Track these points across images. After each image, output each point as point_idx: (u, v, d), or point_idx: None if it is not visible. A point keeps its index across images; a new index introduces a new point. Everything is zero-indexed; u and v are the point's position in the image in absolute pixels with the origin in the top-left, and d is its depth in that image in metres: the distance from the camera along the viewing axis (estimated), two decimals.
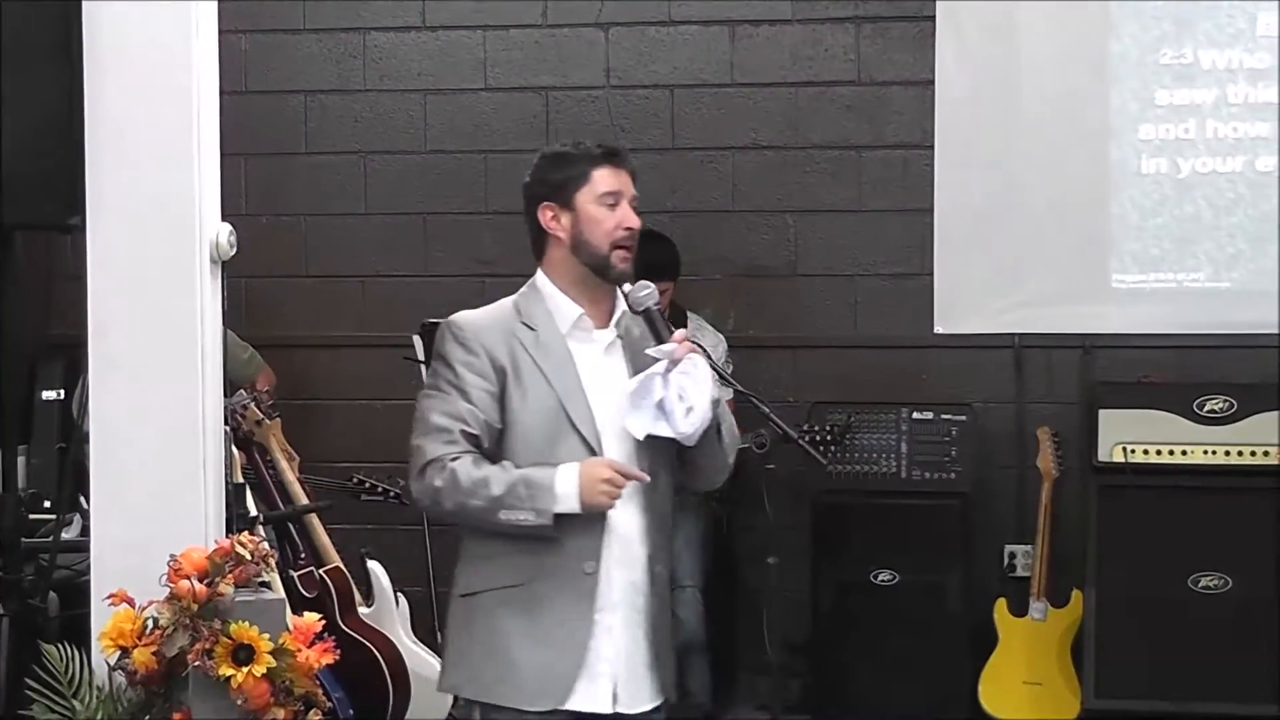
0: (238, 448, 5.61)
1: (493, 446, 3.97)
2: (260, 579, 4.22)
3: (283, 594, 4.98)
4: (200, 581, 4.04)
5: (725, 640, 6.92)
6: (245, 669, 3.98)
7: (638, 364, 4.04)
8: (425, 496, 3.97)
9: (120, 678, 4.11)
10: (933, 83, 6.51)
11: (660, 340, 4.01)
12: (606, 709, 3.97)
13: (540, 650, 3.93)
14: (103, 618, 4.16)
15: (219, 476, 4.41)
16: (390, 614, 5.99)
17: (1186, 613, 6.43)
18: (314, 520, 5.99)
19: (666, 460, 4.08)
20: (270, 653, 4.00)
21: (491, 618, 3.96)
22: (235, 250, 4.41)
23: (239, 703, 4.00)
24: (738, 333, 7.04)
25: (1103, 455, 6.58)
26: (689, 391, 3.97)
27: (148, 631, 4.07)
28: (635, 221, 4.08)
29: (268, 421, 5.97)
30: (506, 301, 4.14)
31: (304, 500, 6.01)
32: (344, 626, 5.76)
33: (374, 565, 6.06)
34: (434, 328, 6.28)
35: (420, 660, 5.96)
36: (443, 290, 7.36)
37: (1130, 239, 6.41)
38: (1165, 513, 6.48)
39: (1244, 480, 6.46)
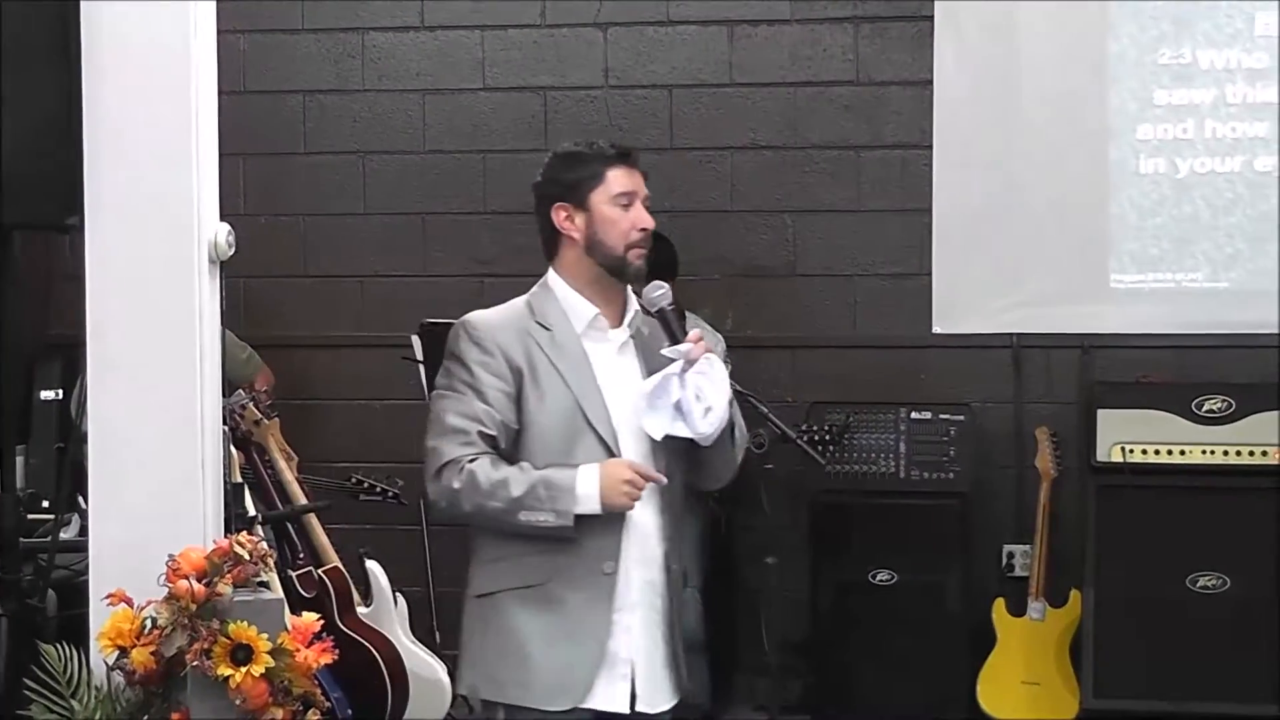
0: (236, 447, 5.61)
1: (509, 447, 3.97)
2: (259, 579, 4.21)
3: (281, 594, 4.97)
4: (199, 581, 4.03)
5: (724, 640, 6.92)
6: (244, 669, 3.98)
7: (650, 363, 4.05)
8: (442, 498, 3.95)
9: (119, 678, 4.11)
10: (931, 83, 6.52)
11: (675, 340, 4.02)
12: (625, 709, 3.98)
13: (559, 650, 3.93)
14: (101, 617, 4.15)
15: (217, 476, 4.41)
16: (389, 614, 5.98)
17: (1185, 613, 6.43)
18: (312, 520, 5.99)
19: (680, 459, 4.09)
20: (269, 652, 4.00)
21: (508, 618, 3.96)
22: (234, 250, 4.40)
23: (237, 703, 4.00)
24: (736, 333, 7.04)
25: (1101, 455, 6.58)
26: (706, 391, 3.98)
27: (146, 631, 4.07)
28: (649, 221, 4.09)
29: (266, 421, 5.97)
30: (519, 301, 4.14)
31: (302, 500, 6.01)
32: (342, 626, 5.76)
33: (372, 565, 6.06)
34: (433, 328, 6.34)
35: (419, 660, 5.96)
36: (441, 290, 7.37)
37: (1129, 239, 6.41)
38: (1164, 513, 6.48)
39: (1242, 480, 6.46)
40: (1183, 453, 6.55)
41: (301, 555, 5.88)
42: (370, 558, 6.10)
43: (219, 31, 4.46)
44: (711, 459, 4.13)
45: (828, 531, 6.85)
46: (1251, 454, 6.50)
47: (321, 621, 4.22)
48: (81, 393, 4.49)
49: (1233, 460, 6.51)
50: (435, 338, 6.31)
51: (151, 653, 4.03)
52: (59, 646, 4.18)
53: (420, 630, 6.25)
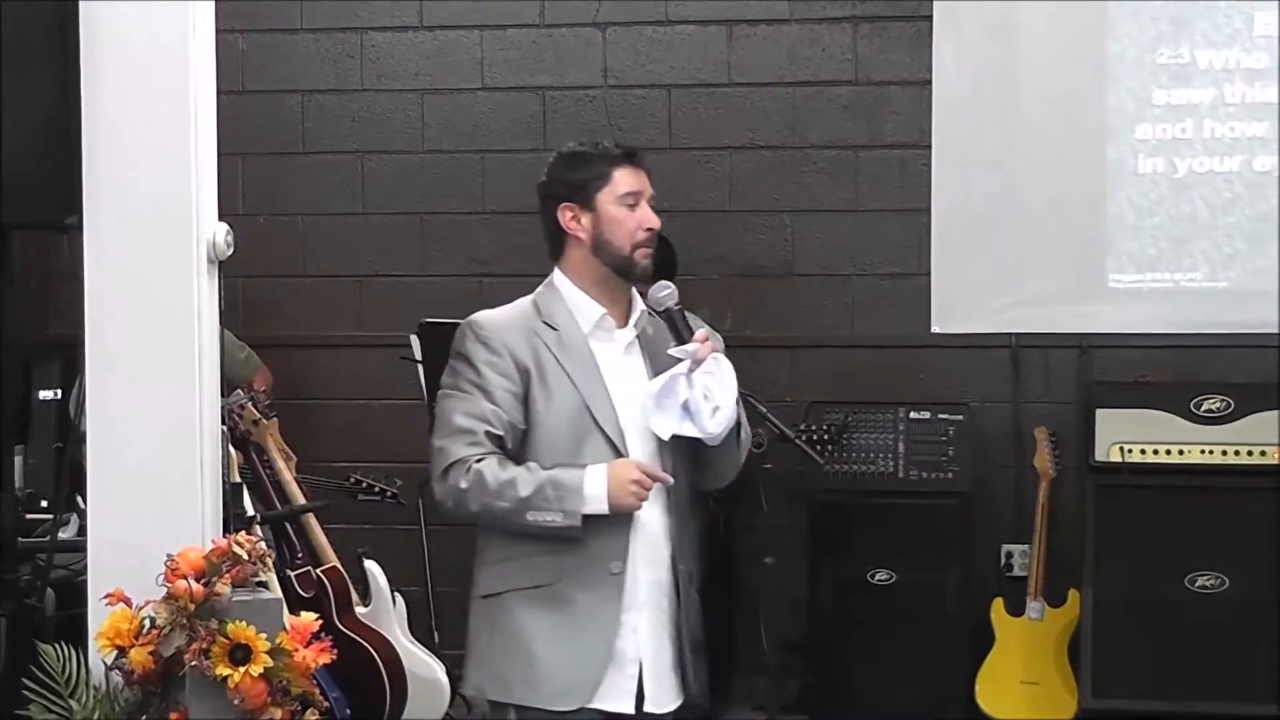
0: (235, 447, 5.61)
1: (515, 447, 3.97)
2: (257, 579, 4.21)
3: (280, 594, 4.97)
4: (197, 581, 4.03)
5: (722, 640, 6.91)
6: (242, 669, 3.97)
7: (656, 363, 4.06)
8: (449, 498, 3.95)
9: (117, 677, 4.10)
10: (930, 82, 6.51)
11: (681, 340, 4.02)
12: (632, 709, 3.99)
13: (566, 650, 3.94)
14: (99, 617, 4.15)
15: (216, 476, 4.41)
16: (387, 613, 5.99)
17: (1183, 612, 6.43)
18: (311, 520, 5.99)
19: (686, 459, 4.10)
20: (267, 652, 4.00)
21: (515, 618, 3.97)
22: (232, 250, 4.40)
23: (236, 702, 3.99)
24: (735, 333, 6.99)
25: (1100, 455, 6.58)
26: (714, 391, 3.99)
27: (145, 631, 4.06)
28: (655, 221, 4.10)
29: (265, 421, 5.97)
30: (525, 301, 4.13)
31: (301, 500, 6.01)
32: (341, 626, 5.76)
33: (371, 565, 6.06)
34: (432, 327, 6.34)
35: (417, 660, 5.96)
36: (440, 290, 7.37)
37: (1127, 239, 6.41)
38: (1162, 512, 6.48)
39: (1241, 480, 6.46)
40: (1181, 452, 6.55)
41: (300, 555, 5.88)
42: (369, 557, 6.10)
43: (218, 31, 4.46)
44: (717, 458, 4.13)
45: (826, 531, 6.85)
46: (1250, 454, 6.50)
47: (320, 621, 4.22)
48: (80, 392, 4.49)
49: (1231, 460, 6.51)
50: (434, 337, 6.32)
51: (150, 652, 4.03)
52: (57, 646, 4.17)
53: (419, 630, 6.25)
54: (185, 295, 4.32)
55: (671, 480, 4.01)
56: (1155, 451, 6.56)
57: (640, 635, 4.00)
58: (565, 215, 4.09)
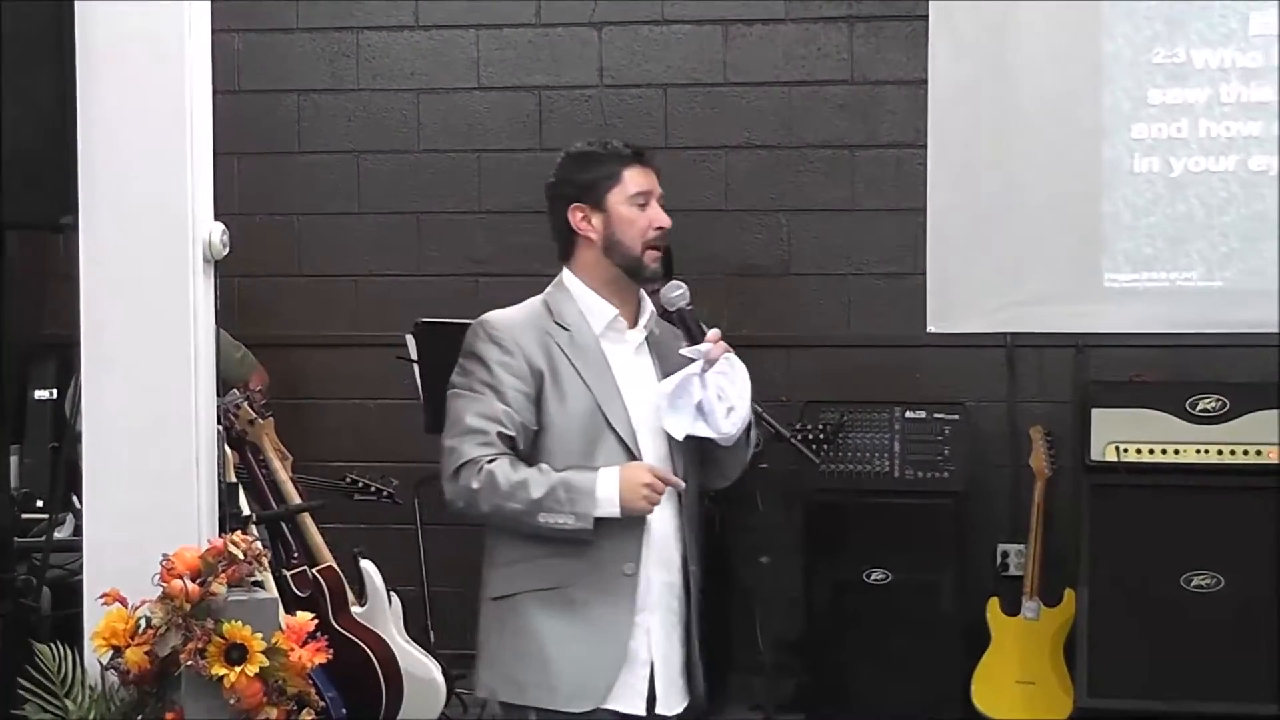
0: (231, 447, 5.60)
1: (527, 448, 3.95)
2: (253, 578, 4.21)
3: (275, 593, 4.97)
4: (193, 581, 4.03)
5: (718, 640, 6.90)
6: (238, 668, 3.97)
7: (664, 364, 4.05)
8: (460, 498, 3.92)
9: (113, 677, 4.10)
10: (925, 82, 6.53)
11: (694, 340, 4.01)
12: (643, 710, 3.98)
13: (580, 651, 3.92)
14: (95, 617, 4.15)
15: (212, 476, 4.41)
16: (383, 613, 5.98)
17: (1179, 612, 6.42)
18: (307, 519, 5.99)
19: (695, 460, 4.10)
20: (263, 652, 4.00)
21: (528, 620, 3.95)
22: (228, 249, 4.40)
23: (232, 702, 3.99)
24: (731, 332, 6.89)
25: (1095, 454, 6.58)
26: (728, 392, 3.99)
27: (140, 631, 4.06)
28: (666, 220, 4.09)
29: (261, 421, 5.97)
30: (535, 301, 4.11)
31: (297, 500, 6.01)
32: (337, 626, 5.76)
33: (367, 564, 6.06)
34: (427, 327, 6.34)
35: (413, 659, 5.96)
36: (436, 289, 7.37)
37: (1123, 238, 6.42)
38: (1158, 512, 6.48)
39: (1236, 479, 6.46)
40: (1177, 452, 6.55)
41: (296, 555, 5.88)
42: (364, 557, 6.10)
43: (214, 30, 4.45)
44: (725, 458, 4.14)
45: (822, 531, 6.84)
46: (1246, 453, 6.50)
47: (316, 621, 4.22)
48: (76, 392, 4.49)
49: (1227, 459, 6.50)
50: (430, 337, 6.32)
51: (146, 652, 4.03)
52: (53, 646, 4.17)
53: (415, 629, 6.24)
54: (181, 295, 4.32)
55: (683, 485, 4.00)
56: (1151, 451, 6.56)
57: (652, 637, 4.00)
58: (576, 216, 4.06)
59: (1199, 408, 6.55)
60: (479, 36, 7.51)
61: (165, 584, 4.02)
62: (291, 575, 5.80)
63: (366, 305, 7.55)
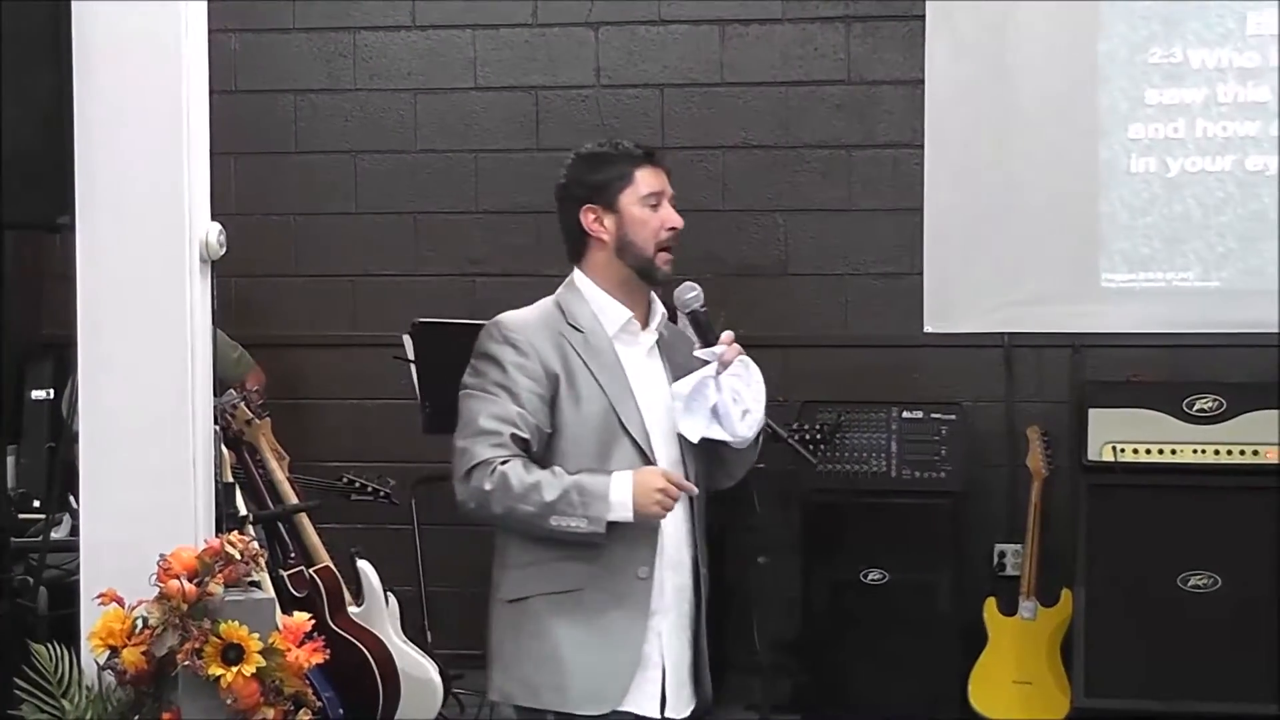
0: (227, 447, 5.61)
1: (540, 450, 3.93)
2: (250, 578, 4.21)
3: (272, 593, 4.97)
4: (190, 581, 4.03)
5: (715, 640, 6.91)
6: (235, 668, 3.97)
7: (674, 366, 4.04)
8: (472, 499, 3.89)
9: (110, 677, 4.10)
10: (922, 82, 6.53)
11: (708, 342, 4.00)
12: (657, 713, 3.98)
13: (595, 655, 3.91)
14: (92, 617, 4.15)
15: (209, 476, 4.40)
16: (380, 613, 5.98)
17: (1176, 612, 6.42)
18: (303, 520, 5.99)
19: (703, 461, 4.09)
20: (260, 652, 4.00)
21: (542, 624, 3.93)
22: (225, 250, 4.40)
23: (228, 702, 3.99)
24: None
25: (1092, 454, 6.58)
26: (743, 394, 3.98)
27: (137, 631, 4.06)
28: (678, 220, 4.07)
29: (257, 421, 5.96)
30: (548, 302, 4.08)
31: (294, 500, 6.01)
32: (334, 626, 5.76)
33: (363, 565, 6.05)
34: (424, 327, 6.33)
35: (410, 660, 5.95)
36: (433, 289, 7.37)
37: (1120, 238, 6.42)
38: (1155, 512, 6.48)
39: (1234, 479, 6.46)
40: (1174, 452, 6.55)
41: (293, 555, 5.88)
42: (361, 557, 6.10)
43: (210, 30, 4.45)
44: (734, 459, 4.14)
45: (819, 531, 6.84)
46: (1243, 453, 6.50)
47: (313, 621, 4.22)
48: (73, 392, 4.48)
49: (1224, 460, 6.51)
50: (426, 337, 6.32)
51: (143, 652, 4.03)
52: (50, 646, 4.17)
53: (411, 629, 6.24)
54: (178, 295, 4.31)
55: (696, 490, 3.99)
56: (1148, 451, 6.56)
57: (664, 640, 3.99)
58: (588, 217, 4.03)
59: (1196, 408, 6.56)
60: (476, 36, 7.51)
61: (162, 584, 4.02)
62: (288, 575, 5.80)
63: (363, 305, 7.55)
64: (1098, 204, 6.40)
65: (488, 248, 7.40)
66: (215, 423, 4.54)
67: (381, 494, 6.74)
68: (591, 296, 4.04)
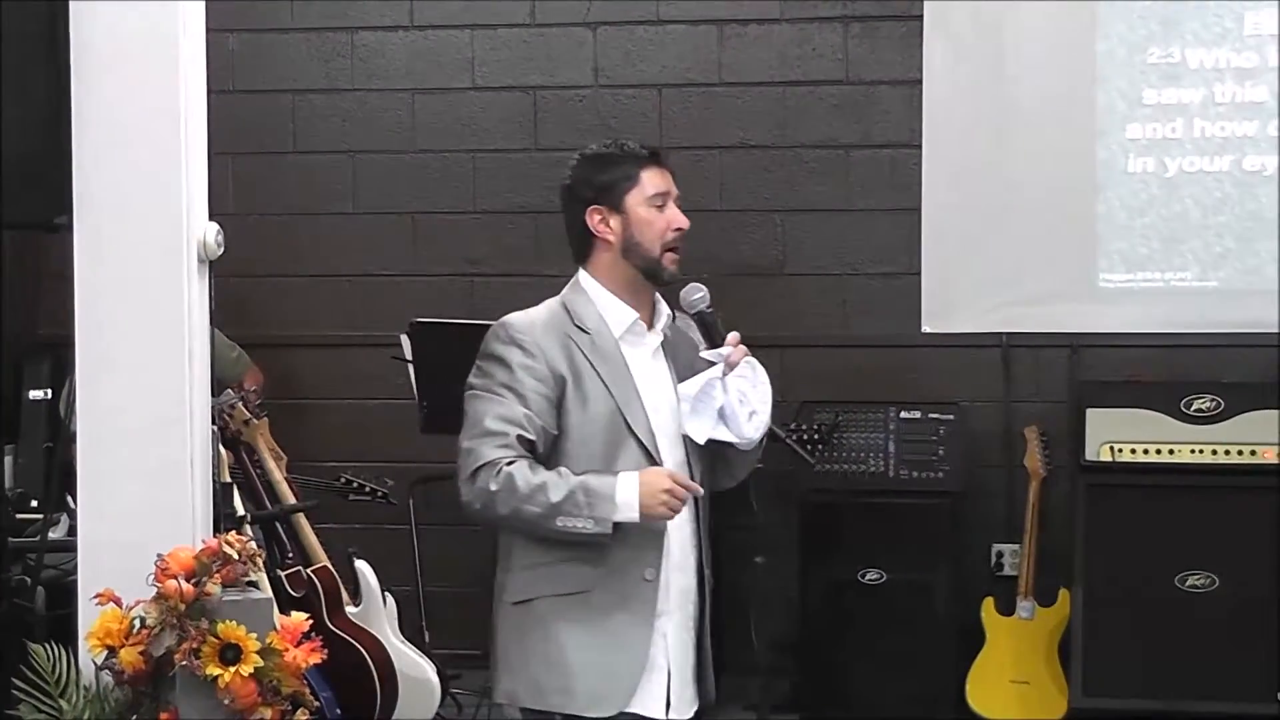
0: (225, 447, 5.60)
1: (546, 452, 3.92)
2: (248, 578, 4.21)
3: (270, 593, 4.97)
4: (187, 581, 4.03)
5: (713, 640, 6.91)
6: (232, 668, 3.97)
7: (678, 367, 4.03)
8: (477, 499, 3.87)
9: (107, 677, 4.10)
10: (920, 82, 6.53)
11: (714, 344, 3.99)
12: (661, 714, 3.97)
13: (603, 657, 3.90)
14: (90, 617, 4.14)
15: (206, 476, 4.40)
16: (378, 613, 5.98)
17: (1174, 611, 6.43)
18: (301, 520, 5.99)
19: (707, 462, 4.08)
20: (257, 652, 3.99)
21: (549, 625, 3.92)
22: (223, 249, 4.40)
23: (226, 702, 3.99)
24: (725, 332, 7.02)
25: (1090, 454, 6.59)
26: (750, 396, 3.98)
27: (135, 631, 4.06)
28: (684, 221, 4.07)
29: (255, 421, 5.96)
30: (554, 303, 4.06)
31: (291, 500, 6.00)
32: (331, 626, 5.75)
33: (361, 565, 6.05)
34: (422, 327, 6.33)
35: (408, 660, 5.95)
36: (431, 289, 7.37)
37: (1118, 238, 6.43)
38: (1153, 512, 6.49)
39: (1231, 479, 6.47)
40: (1171, 452, 6.55)
41: (290, 555, 5.88)
42: (359, 557, 6.09)
43: (208, 30, 4.45)
44: (738, 460, 4.13)
45: (817, 531, 6.84)
46: (1240, 453, 6.50)
47: (310, 621, 4.21)
48: (70, 392, 4.48)
49: (1221, 459, 6.51)
50: (424, 337, 6.32)
51: (140, 652, 4.02)
52: (48, 646, 4.17)
53: (409, 629, 6.24)
54: (176, 295, 4.31)
55: (702, 491, 3.99)
56: (1146, 451, 6.56)
57: (669, 641, 3.99)
58: (594, 218, 4.02)
59: (1194, 407, 6.56)
60: (474, 36, 7.50)
61: (160, 584, 4.02)
62: (286, 575, 5.79)
63: (361, 305, 7.54)
64: (1095, 204, 6.40)
65: (486, 248, 7.40)
66: (213, 422, 4.53)
67: (379, 494, 6.74)
68: (597, 297, 4.03)
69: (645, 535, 3.90)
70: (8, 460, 6.52)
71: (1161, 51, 6.36)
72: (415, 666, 5.96)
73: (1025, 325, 6.66)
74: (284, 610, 4.50)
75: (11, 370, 7.02)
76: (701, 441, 3.98)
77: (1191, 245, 6.38)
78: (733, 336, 4.02)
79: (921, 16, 6.52)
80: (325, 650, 4.17)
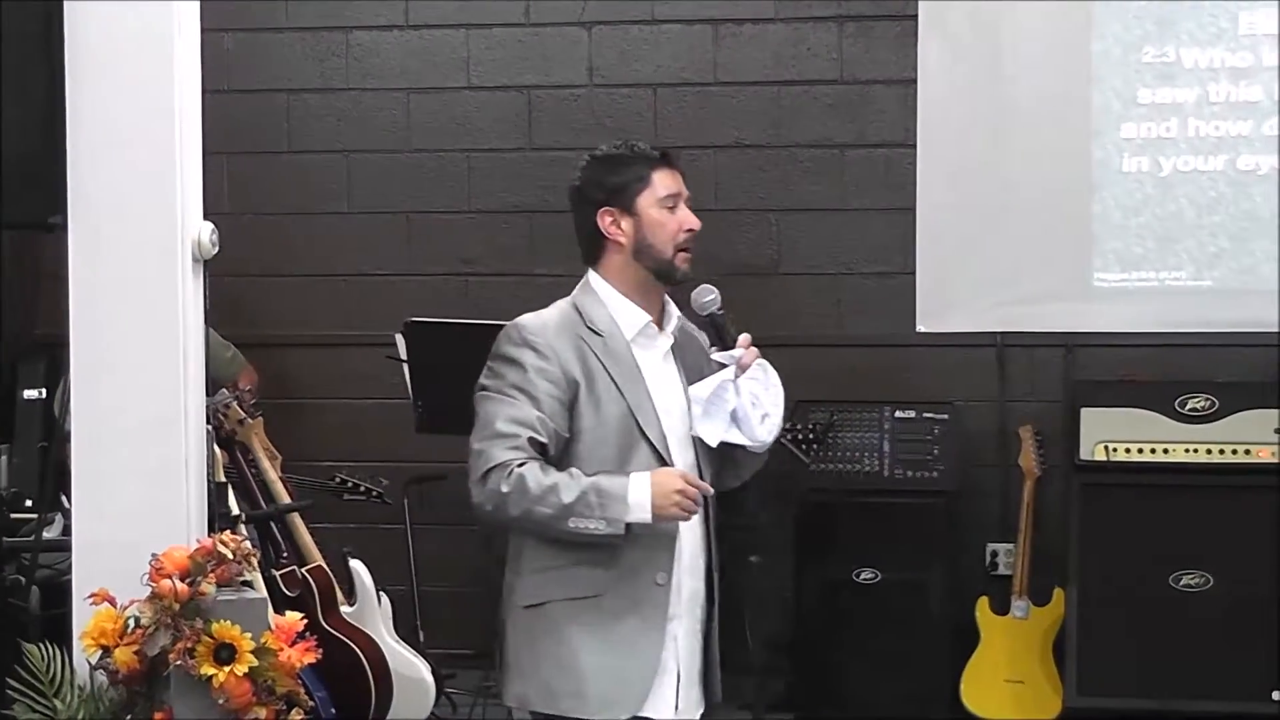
0: (220, 447, 5.60)
1: (558, 455, 3.90)
2: (242, 578, 4.21)
3: (265, 593, 4.97)
4: (182, 580, 4.03)
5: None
6: (227, 668, 3.97)
7: (687, 369, 4.03)
8: (488, 501, 3.83)
9: (102, 677, 4.10)
10: (915, 82, 6.53)
11: (725, 346, 3.99)
12: (670, 715, 3.96)
13: (614, 660, 3.89)
14: (84, 617, 4.15)
15: (201, 476, 4.41)
16: (373, 613, 5.98)
17: (1168, 610, 6.43)
18: (296, 519, 5.98)
19: (716, 466, 4.08)
20: (252, 652, 4.00)
21: (561, 629, 3.90)
22: (217, 249, 4.40)
23: (220, 702, 3.99)
24: None
25: (1085, 454, 6.59)
26: (762, 398, 3.97)
27: (129, 631, 4.06)
28: (695, 222, 4.04)
29: (250, 420, 5.95)
30: (565, 304, 4.03)
31: (286, 499, 6.00)
32: (326, 625, 5.75)
33: (356, 564, 6.05)
34: (417, 326, 6.33)
35: (402, 659, 5.95)
36: (426, 289, 7.37)
37: (1112, 238, 6.42)
38: (1147, 511, 6.49)
39: (1226, 479, 6.47)
40: (1166, 451, 6.55)
41: (285, 554, 5.87)
42: (354, 557, 6.09)
43: (203, 29, 4.46)
44: (745, 460, 4.12)
45: (812, 530, 6.84)
46: (1235, 452, 6.51)
47: (305, 621, 4.22)
48: (65, 392, 4.49)
49: (1216, 459, 6.51)
50: (419, 336, 6.32)
51: (135, 652, 4.03)
52: (42, 646, 4.17)
53: (404, 629, 6.24)
54: (170, 294, 4.32)
55: (712, 491, 3.97)
56: (1140, 450, 6.57)
57: (679, 644, 3.98)
58: (605, 220, 4.00)
59: (1188, 407, 6.56)
60: (469, 36, 7.50)
61: (154, 584, 4.02)
62: (280, 575, 5.79)
63: (356, 304, 7.54)
64: (1090, 203, 6.39)
65: (480, 247, 7.40)
66: (208, 422, 4.54)
67: (374, 493, 6.73)
68: (608, 299, 4.01)
69: (657, 538, 3.89)
70: (2, 460, 6.52)
71: (1156, 51, 6.36)
72: (410, 666, 5.95)
73: (1020, 325, 6.66)
74: (279, 610, 4.51)
75: (6, 370, 7.01)
76: (715, 444, 3.97)
77: (1186, 245, 6.37)
78: (744, 338, 4.00)
79: (916, 16, 6.51)
80: (320, 650, 4.18)
